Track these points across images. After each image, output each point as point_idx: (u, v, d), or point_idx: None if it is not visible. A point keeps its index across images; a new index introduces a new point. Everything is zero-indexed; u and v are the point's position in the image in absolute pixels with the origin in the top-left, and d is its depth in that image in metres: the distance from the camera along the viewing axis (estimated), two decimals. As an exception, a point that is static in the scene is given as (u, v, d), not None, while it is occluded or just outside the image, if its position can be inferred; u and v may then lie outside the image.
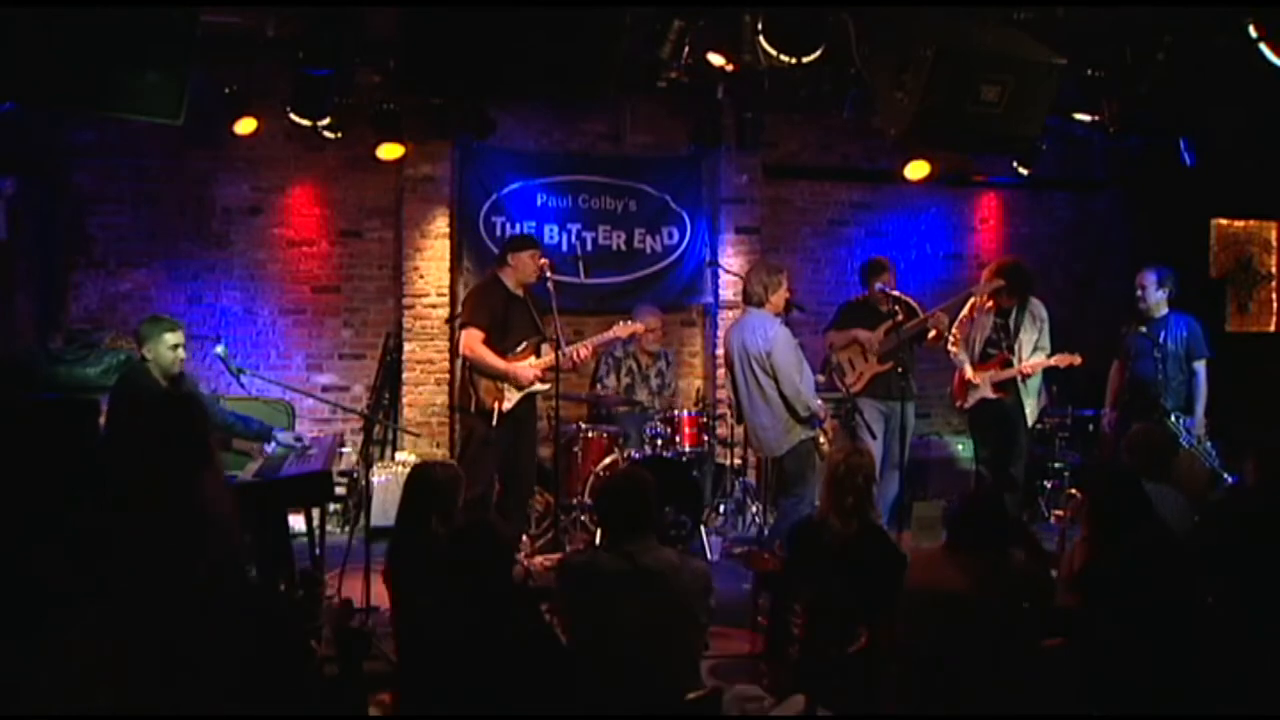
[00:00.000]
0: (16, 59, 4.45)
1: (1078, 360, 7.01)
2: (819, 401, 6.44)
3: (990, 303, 7.19)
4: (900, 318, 6.92)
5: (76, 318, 7.86)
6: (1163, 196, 8.90)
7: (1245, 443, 5.05)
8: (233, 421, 5.75)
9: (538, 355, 6.38)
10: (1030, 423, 7.26)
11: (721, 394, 8.36)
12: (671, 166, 8.78)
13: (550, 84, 5.25)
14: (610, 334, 6.66)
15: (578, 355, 6.44)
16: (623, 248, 8.65)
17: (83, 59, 4.51)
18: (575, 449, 7.32)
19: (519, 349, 6.37)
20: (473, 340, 6.24)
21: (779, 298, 6.35)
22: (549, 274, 6.47)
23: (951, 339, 7.37)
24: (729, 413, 8.15)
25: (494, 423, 6.17)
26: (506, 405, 6.21)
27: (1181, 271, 7.26)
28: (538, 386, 6.39)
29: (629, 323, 6.78)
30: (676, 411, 7.64)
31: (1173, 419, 6.71)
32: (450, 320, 7.93)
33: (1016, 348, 7.07)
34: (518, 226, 8.40)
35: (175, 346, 5.40)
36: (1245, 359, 8.22)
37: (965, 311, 7.37)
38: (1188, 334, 6.89)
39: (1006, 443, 7.17)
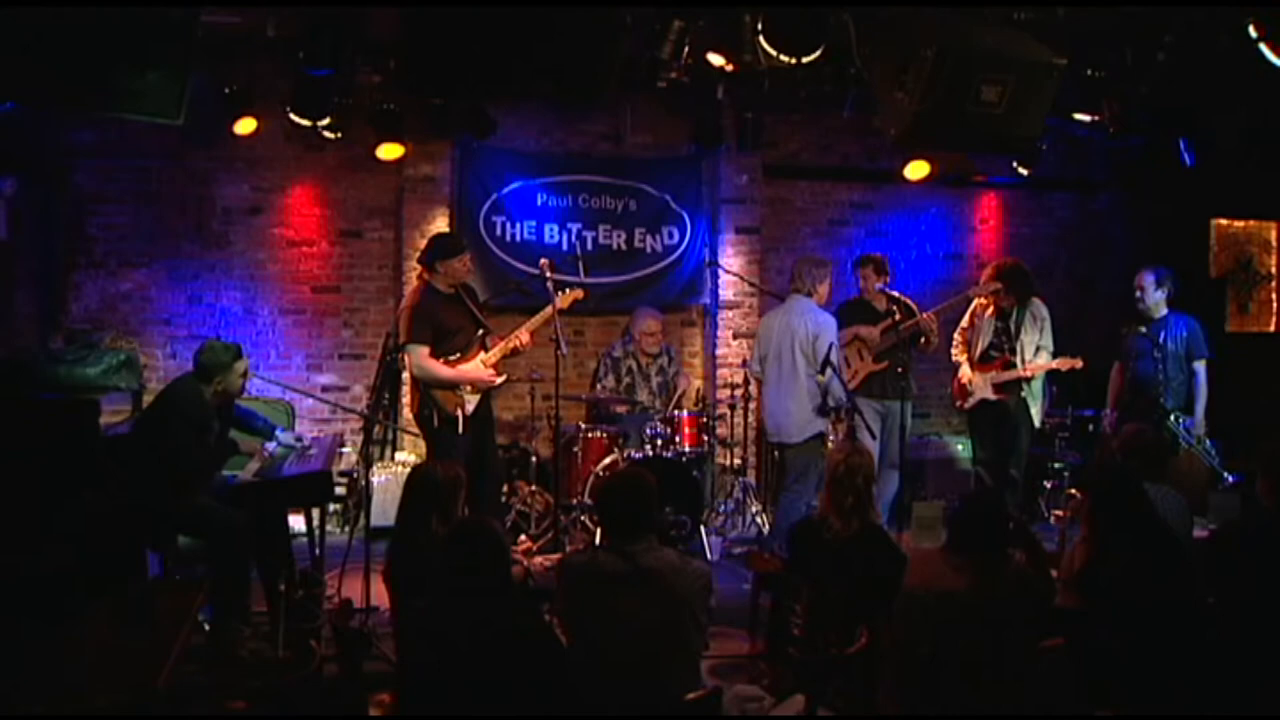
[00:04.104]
0: (16, 59, 4.45)
1: (1079, 364, 7.02)
2: (843, 395, 6.55)
3: (990, 307, 7.19)
4: (898, 316, 6.95)
5: (76, 318, 7.87)
6: (1163, 196, 8.90)
7: (1253, 454, 4.91)
8: (237, 417, 5.75)
9: (485, 350, 6.30)
10: (1037, 423, 7.27)
11: (722, 394, 8.36)
12: (671, 166, 8.77)
13: (550, 84, 5.26)
14: (547, 311, 6.36)
15: (520, 340, 6.33)
16: (623, 247, 8.64)
17: (83, 59, 4.51)
18: (575, 449, 7.31)
19: (466, 350, 6.24)
20: (419, 358, 6.06)
21: (825, 288, 6.72)
22: (549, 274, 6.45)
23: (956, 345, 7.39)
24: (729, 412, 8.17)
25: (461, 430, 6.06)
26: (470, 409, 6.15)
27: (1181, 271, 7.26)
28: (494, 381, 6.28)
29: (567, 291, 6.49)
30: (676, 411, 7.64)
31: (1173, 419, 6.73)
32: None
33: (1018, 349, 7.07)
34: (518, 226, 8.40)
35: (245, 373, 5.46)
36: (1245, 359, 8.21)
37: (967, 319, 7.40)
38: (1188, 334, 6.90)
39: (1007, 444, 7.17)
